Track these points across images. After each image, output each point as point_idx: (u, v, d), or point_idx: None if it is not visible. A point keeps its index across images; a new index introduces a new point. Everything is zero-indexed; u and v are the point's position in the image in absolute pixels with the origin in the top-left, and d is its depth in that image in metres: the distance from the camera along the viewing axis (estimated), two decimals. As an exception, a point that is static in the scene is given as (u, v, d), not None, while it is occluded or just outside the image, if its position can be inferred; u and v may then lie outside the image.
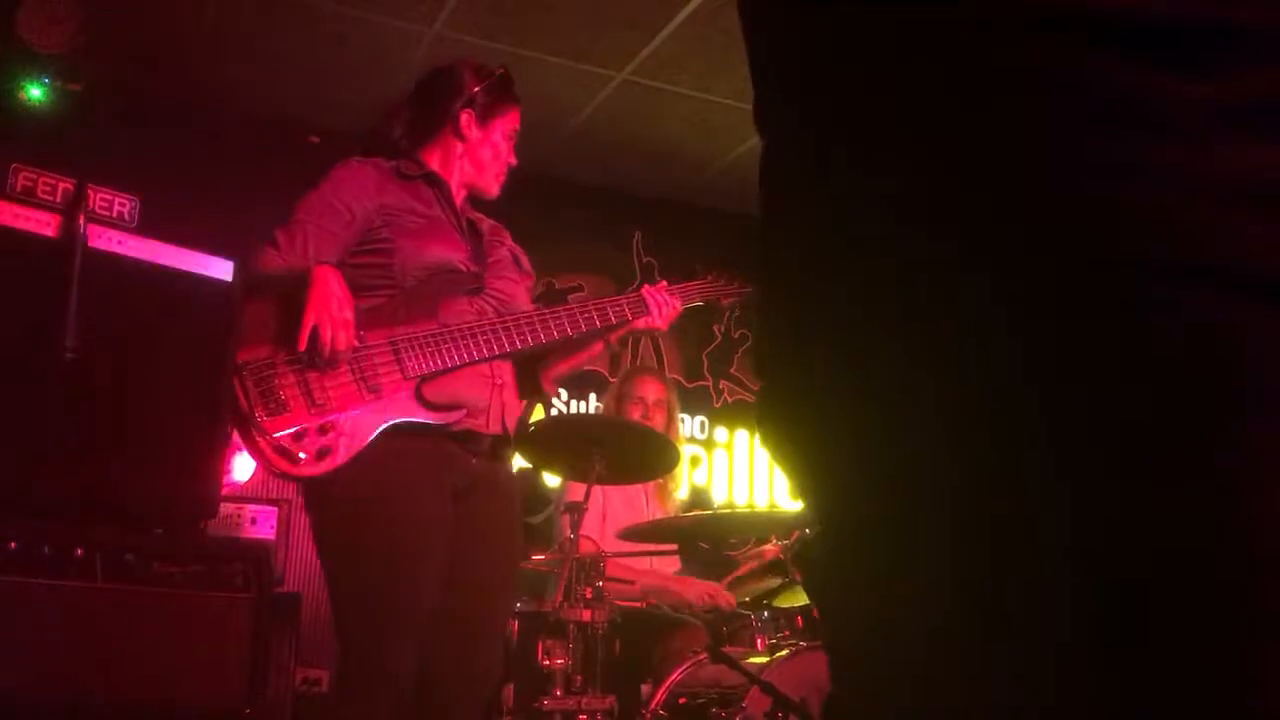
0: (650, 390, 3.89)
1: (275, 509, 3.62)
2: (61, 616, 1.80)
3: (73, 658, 1.80)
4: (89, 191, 1.92)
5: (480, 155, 2.63)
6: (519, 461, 5.04)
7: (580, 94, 4.84)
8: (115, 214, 1.96)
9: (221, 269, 2.11)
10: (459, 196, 2.62)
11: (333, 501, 2.27)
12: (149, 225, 2.01)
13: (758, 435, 0.79)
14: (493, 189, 2.67)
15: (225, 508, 3.44)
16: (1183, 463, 0.58)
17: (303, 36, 4.38)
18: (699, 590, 3.57)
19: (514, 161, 2.68)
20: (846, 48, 0.73)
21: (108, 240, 1.95)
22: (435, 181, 2.56)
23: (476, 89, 2.63)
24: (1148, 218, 0.60)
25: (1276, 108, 0.63)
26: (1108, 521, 0.59)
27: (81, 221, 1.88)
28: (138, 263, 1.99)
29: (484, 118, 2.63)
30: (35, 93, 4.06)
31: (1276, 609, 0.57)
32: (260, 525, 3.62)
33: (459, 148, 2.61)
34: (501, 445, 2.49)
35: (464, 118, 2.60)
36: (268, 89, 4.65)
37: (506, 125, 2.66)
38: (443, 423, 2.34)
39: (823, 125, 0.74)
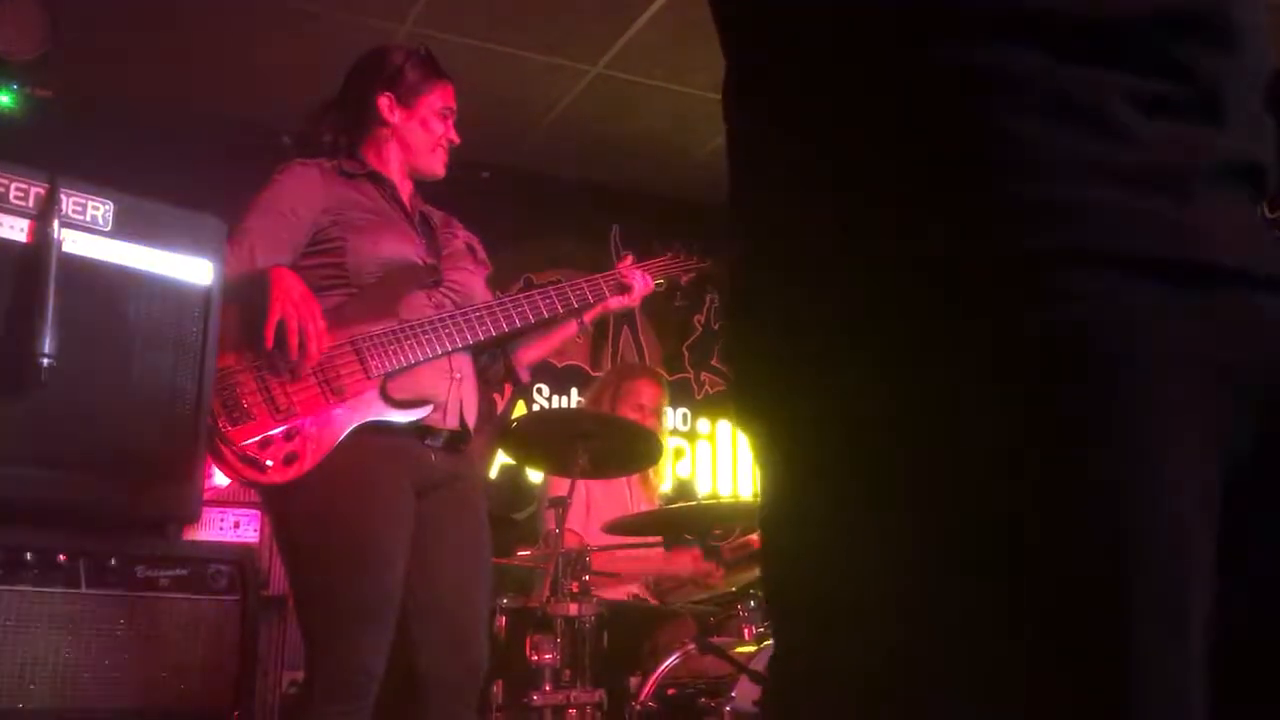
0: (649, 396, 3.89)
1: (258, 513, 3.60)
2: (46, 623, 1.80)
3: (57, 664, 1.79)
4: (62, 195, 1.90)
5: (410, 137, 2.57)
6: (502, 458, 5.06)
7: (554, 88, 4.83)
8: (89, 218, 1.95)
9: (198, 271, 2.09)
10: (405, 189, 2.59)
11: (295, 502, 2.26)
12: (124, 228, 2.00)
13: (734, 420, 0.81)
14: (435, 168, 2.61)
15: (208, 512, 3.43)
16: (1098, 450, 0.60)
17: (273, 35, 4.35)
18: (687, 563, 3.57)
19: (455, 139, 2.62)
20: (793, 46, 0.74)
21: (83, 244, 1.93)
22: (379, 180, 2.53)
23: (392, 71, 2.57)
24: (1077, 211, 0.62)
25: (1185, 92, 0.65)
26: (1050, 515, 0.60)
27: (55, 226, 1.87)
28: (113, 266, 1.98)
29: (407, 98, 2.57)
30: (4, 99, 4.03)
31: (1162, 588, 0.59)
32: (244, 529, 3.61)
33: (386, 133, 2.56)
34: (460, 440, 2.47)
35: (383, 101, 2.55)
36: (239, 89, 4.63)
37: (436, 102, 2.60)
38: (412, 419, 2.33)
39: (767, 119, 0.75)
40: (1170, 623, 0.59)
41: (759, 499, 0.77)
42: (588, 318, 2.72)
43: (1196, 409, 0.61)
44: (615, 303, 2.71)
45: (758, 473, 0.78)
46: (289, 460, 2.21)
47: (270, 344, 2.20)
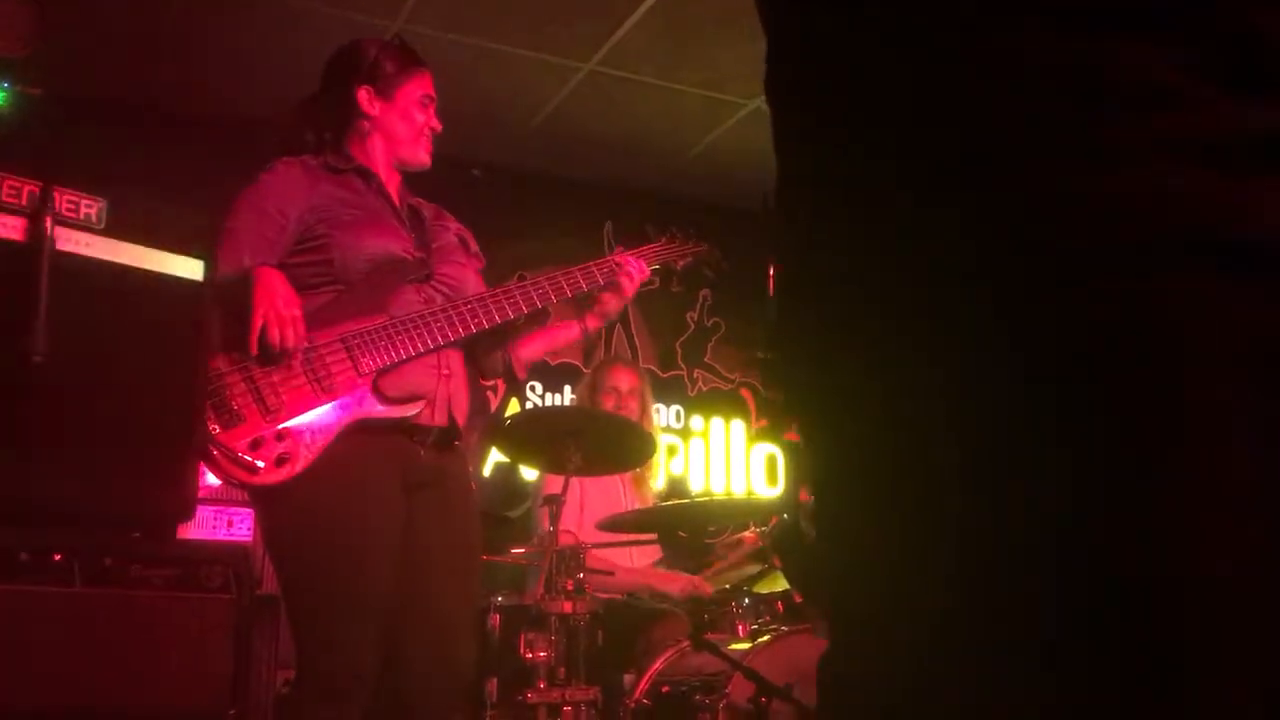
0: (623, 380, 3.89)
1: (252, 511, 3.59)
2: (40, 622, 1.79)
3: (52, 663, 1.78)
4: (55, 194, 1.89)
5: (393, 128, 2.55)
6: (496, 455, 5.05)
7: (547, 86, 4.83)
8: (82, 216, 1.94)
9: (191, 268, 2.09)
10: (392, 183, 2.57)
11: (283, 501, 2.25)
12: (116, 227, 1.99)
13: (786, 411, 0.79)
14: (420, 158, 2.59)
15: (202, 510, 3.42)
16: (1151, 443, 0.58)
17: (265, 33, 4.34)
18: (680, 584, 3.58)
19: (437, 126, 2.60)
20: (821, 34, 0.73)
21: (75, 243, 1.93)
22: (366, 175, 2.52)
23: (369, 63, 2.55)
24: (1122, 195, 0.60)
25: (1253, 61, 0.62)
26: (1098, 508, 0.59)
27: (48, 224, 1.86)
28: (106, 264, 1.97)
29: (386, 89, 2.55)
30: (-5, 97, 4.01)
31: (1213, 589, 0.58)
32: (238, 527, 3.60)
33: (368, 126, 2.55)
34: (449, 437, 2.46)
35: (361, 95, 2.53)
36: (230, 87, 4.61)
37: (415, 91, 2.58)
38: (404, 416, 2.32)
39: (819, 103, 0.74)
40: (1224, 622, 0.57)
41: (812, 491, 0.76)
42: (591, 325, 2.70)
43: (1254, 398, 0.59)
44: (614, 303, 2.69)
45: (809, 467, 0.76)
46: (280, 461, 2.20)
47: (255, 350, 2.20)
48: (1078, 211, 0.60)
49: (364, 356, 2.31)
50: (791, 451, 5.49)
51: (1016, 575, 0.60)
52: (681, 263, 2.91)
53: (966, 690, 0.61)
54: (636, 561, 3.74)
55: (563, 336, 2.77)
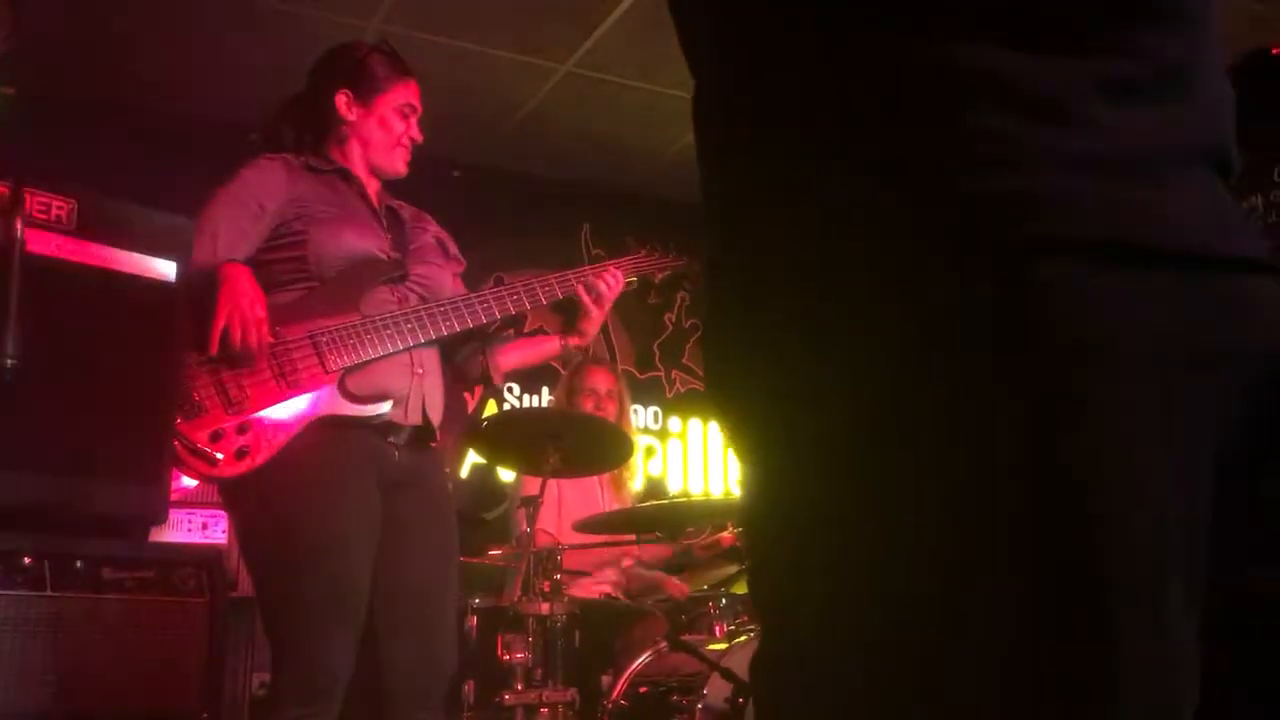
0: (601, 382, 3.89)
1: (226, 513, 3.58)
2: (10, 626, 1.78)
3: (23, 667, 1.77)
4: (25, 195, 1.88)
5: (370, 135, 2.54)
6: (473, 457, 5.04)
7: (524, 87, 4.82)
8: (53, 217, 1.93)
9: (163, 269, 2.08)
10: (371, 186, 2.57)
11: (255, 499, 2.23)
12: (87, 227, 1.98)
13: (715, 415, 0.80)
14: (396, 166, 2.58)
15: (176, 513, 3.40)
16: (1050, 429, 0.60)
17: (241, 33, 4.32)
18: (656, 551, 3.59)
19: (417, 137, 2.59)
20: (753, 53, 0.74)
21: (46, 244, 1.91)
22: (347, 177, 2.52)
23: (353, 68, 2.55)
24: (1043, 200, 0.62)
25: (1147, 75, 0.65)
26: (1058, 510, 0.60)
27: (18, 225, 1.84)
28: (78, 266, 1.96)
29: (366, 95, 2.54)
30: (-34, 97, 3.98)
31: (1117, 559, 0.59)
32: (212, 530, 3.58)
33: (345, 131, 2.54)
34: (424, 436, 2.45)
35: (340, 100, 2.53)
36: (206, 88, 4.59)
37: (396, 99, 2.57)
38: (370, 414, 2.31)
39: (742, 122, 0.75)
40: (1150, 607, 0.59)
41: (741, 493, 0.76)
42: (573, 344, 2.70)
43: (1171, 396, 0.61)
44: (594, 321, 2.68)
45: (740, 466, 0.77)
46: (240, 454, 2.19)
47: (214, 349, 2.19)
48: (1000, 213, 0.62)
49: (331, 354, 2.30)
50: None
51: (985, 576, 0.61)
52: (660, 275, 2.92)
53: (940, 687, 0.62)
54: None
55: (542, 350, 2.77)
